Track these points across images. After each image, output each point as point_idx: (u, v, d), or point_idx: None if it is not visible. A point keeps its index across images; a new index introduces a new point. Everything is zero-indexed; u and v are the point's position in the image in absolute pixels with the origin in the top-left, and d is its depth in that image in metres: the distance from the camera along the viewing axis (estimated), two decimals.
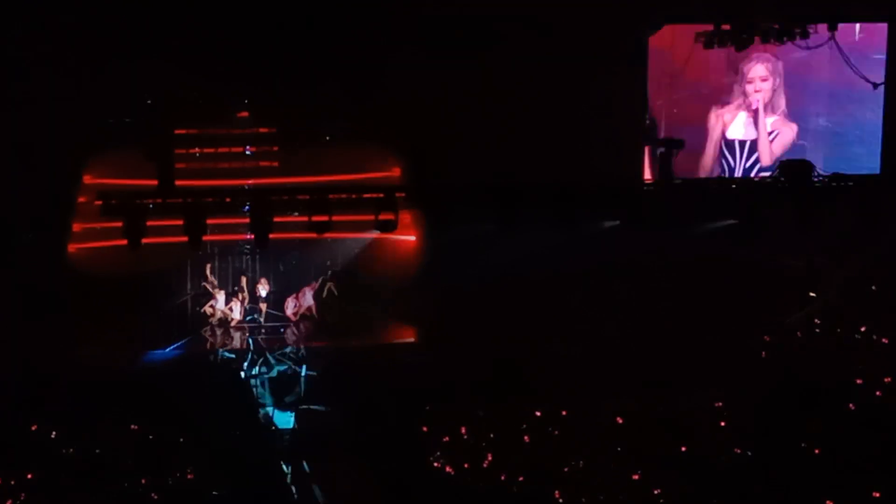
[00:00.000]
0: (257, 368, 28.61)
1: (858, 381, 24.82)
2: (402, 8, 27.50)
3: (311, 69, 27.02)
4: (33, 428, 24.18)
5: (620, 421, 24.55)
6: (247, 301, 31.28)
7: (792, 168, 24.17)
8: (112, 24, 27.16)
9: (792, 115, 30.53)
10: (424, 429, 24.70)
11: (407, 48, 27.92)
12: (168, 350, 29.67)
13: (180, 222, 24.40)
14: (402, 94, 28.64)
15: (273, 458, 23.94)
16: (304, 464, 24.30)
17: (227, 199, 24.09)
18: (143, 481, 22.42)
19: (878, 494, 21.09)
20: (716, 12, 27.86)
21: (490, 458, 23.32)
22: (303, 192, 24.44)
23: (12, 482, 21.97)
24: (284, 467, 23.69)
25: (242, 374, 27.85)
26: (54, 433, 23.98)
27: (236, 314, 30.88)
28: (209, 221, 24.74)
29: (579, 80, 27.60)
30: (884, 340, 26.19)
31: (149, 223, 24.65)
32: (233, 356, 28.88)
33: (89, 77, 27.53)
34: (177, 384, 26.63)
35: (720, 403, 24.93)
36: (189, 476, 23.10)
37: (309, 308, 31.47)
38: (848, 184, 25.12)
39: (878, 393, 24.41)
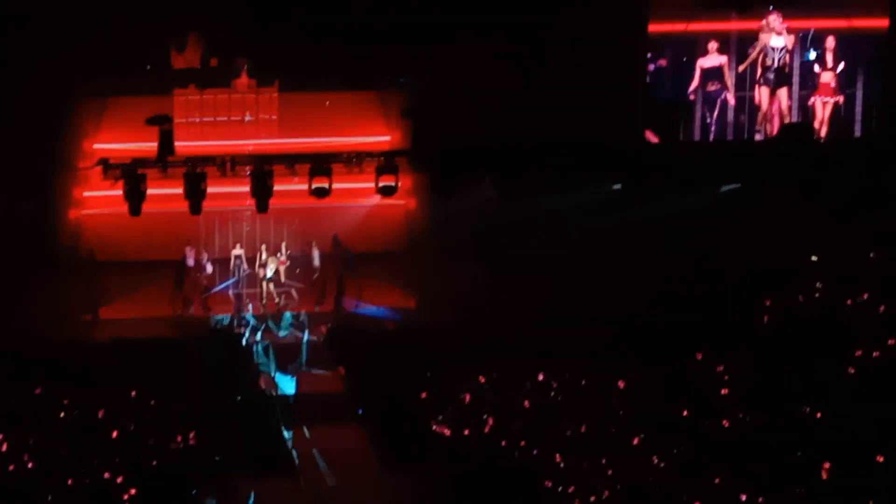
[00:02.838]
0: (259, 334, 28.67)
1: (858, 353, 24.84)
2: None
3: (313, 24, 26.86)
4: (37, 391, 24.30)
5: (622, 385, 24.56)
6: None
7: (794, 131, 24.05)
8: None
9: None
10: (424, 395, 24.75)
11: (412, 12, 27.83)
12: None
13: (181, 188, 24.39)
14: (405, 58, 28.56)
15: (274, 423, 23.99)
16: (305, 429, 24.34)
17: (227, 164, 24.03)
18: (145, 446, 22.50)
19: (881, 458, 21.10)
20: None
21: (491, 423, 23.35)
22: (303, 157, 24.39)
23: (15, 445, 22.05)
24: (286, 432, 23.74)
25: (244, 340, 27.88)
26: (57, 397, 24.07)
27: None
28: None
29: (580, 40, 27.42)
30: (882, 308, 26.16)
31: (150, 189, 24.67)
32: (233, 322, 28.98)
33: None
34: (178, 350, 26.73)
35: (721, 367, 24.95)
36: (192, 442, 23.15)
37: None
38: (849, 146, 25.04)
39: (876, 354, 24.37)
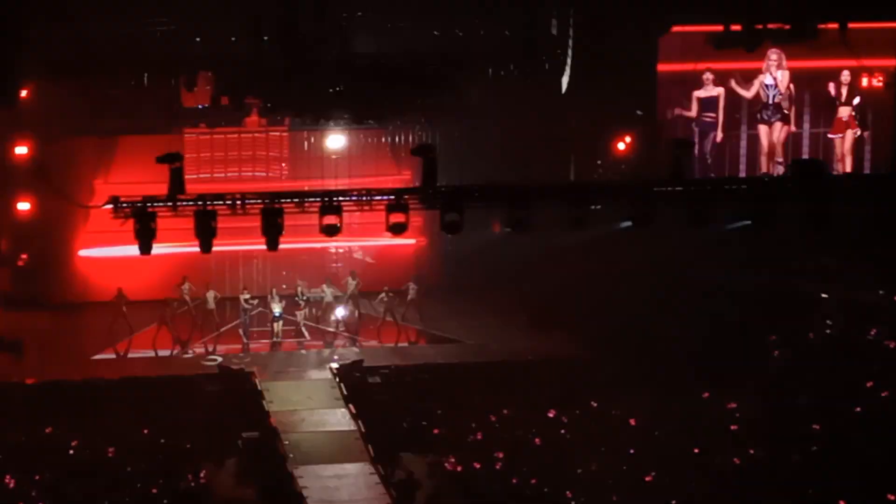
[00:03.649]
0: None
1: (869, 384, 24.78)
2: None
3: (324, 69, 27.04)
4: (47, 431, 24.25)
5: (633, 422, 24.50)
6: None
7: (804, 167, 23.99)
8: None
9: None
10: (436, 431, 24.68)
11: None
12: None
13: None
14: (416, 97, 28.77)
15: (283, 461, 23.90)
16: (315, 467, 24.24)
17: (238, 203, 23.99)
18: (155, 484, 22.42)
19: (893, 497, 21.00)
20: (726, 14, 27.79)
21: (502, 460, 23.26)
22: (313, 195, 24.36)
23: (24, 484, 21.99)
24: (294, 471, 23.65)
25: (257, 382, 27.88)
26: (66, 436, 24.03)
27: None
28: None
29: (590, 80, 27.61)
30: (891, 345, 26.10)
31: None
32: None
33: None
34: (188, 390, 26.69)
35: (733, 404, 24.90)
36: (202, 480, 23.06)
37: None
38: (860, 182, 25.05)
39: (884, 394, 24.35)
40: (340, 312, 31.47)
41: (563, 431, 24.31)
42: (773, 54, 29.52)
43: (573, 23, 27.99)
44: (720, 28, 27.65)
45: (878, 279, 28.11)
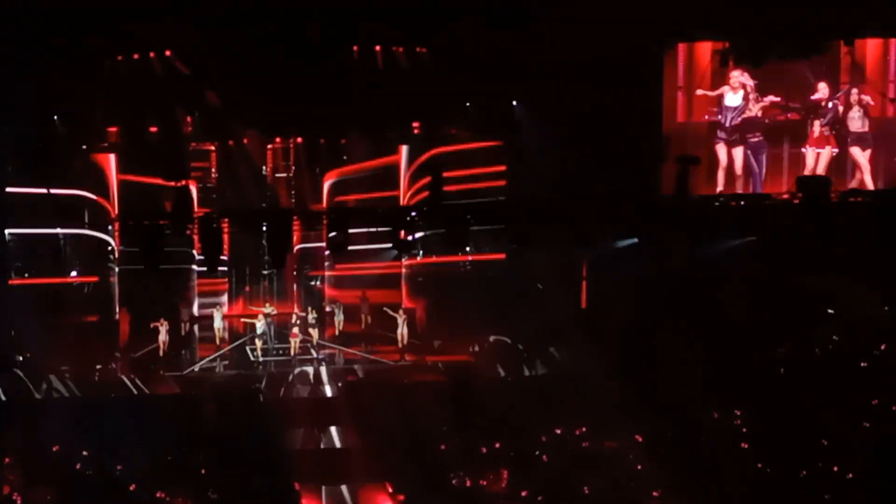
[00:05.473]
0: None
1: (874, 402, 24.78)
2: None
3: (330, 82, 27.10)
4: (55, 449, 24.33)
5: (640, 439, 24.51)
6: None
7: (809, 184, 24.00)
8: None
9: None
10: (443, 447, 24.71)
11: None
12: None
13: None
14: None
15: (291, 480, 23.95)
16: (322, 485, 24.32)
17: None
18: (161, 501, 22.50)
19: None
20: (732, 30, 27.78)
21: (509, 477, 23.31)
22: (321, 211, 24.49)
23: (30, 500, 22.07)
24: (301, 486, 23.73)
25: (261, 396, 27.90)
26: (73, 452, 24.09)
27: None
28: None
29: (595, 96, 27.58)
30: None
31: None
32: None
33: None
34: (197, 405, 26.73)
35: (739, 421, 24.89)
36: (209, 496, 23.12)
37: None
38: (866, 200, 25.04)
39: (894, 408, 24.34)
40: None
41: (569, 448, 24.35)
42: (740, 76, 28.91)
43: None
44: (726, 44, 27.63)
45: (884, 296, 28.07)
